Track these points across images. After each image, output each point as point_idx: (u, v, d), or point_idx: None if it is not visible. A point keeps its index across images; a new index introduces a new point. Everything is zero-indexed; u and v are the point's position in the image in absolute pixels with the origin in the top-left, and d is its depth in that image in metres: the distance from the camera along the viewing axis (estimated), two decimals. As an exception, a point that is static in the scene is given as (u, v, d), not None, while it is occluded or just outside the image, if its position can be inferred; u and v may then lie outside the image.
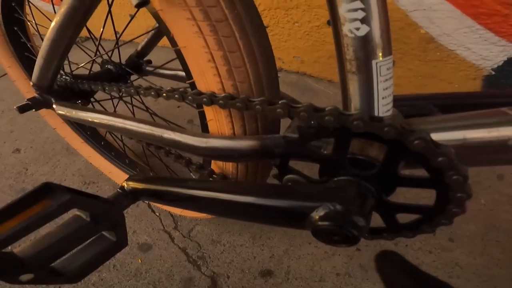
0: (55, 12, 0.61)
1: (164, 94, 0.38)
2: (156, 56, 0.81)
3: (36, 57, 0.79)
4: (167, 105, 1.25)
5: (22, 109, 0.55)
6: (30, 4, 0.69)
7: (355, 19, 0.25)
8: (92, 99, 0.69)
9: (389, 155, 0.28)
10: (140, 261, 0.76)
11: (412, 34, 1.12)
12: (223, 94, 0.34)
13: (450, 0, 0.99)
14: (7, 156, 1.10)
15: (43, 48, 0.46)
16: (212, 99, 0.34)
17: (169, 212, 0.86)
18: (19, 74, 0.84)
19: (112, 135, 0.86)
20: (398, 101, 0.34)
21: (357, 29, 0.26)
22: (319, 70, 1.38)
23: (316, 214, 0.27)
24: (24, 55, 0.81)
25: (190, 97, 0.36)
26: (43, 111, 0.87)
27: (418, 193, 0.75)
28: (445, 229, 0.77)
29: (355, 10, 0.25)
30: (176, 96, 0.37)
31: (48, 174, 1.01)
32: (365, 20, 0.25)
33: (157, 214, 0.86)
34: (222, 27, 0.31)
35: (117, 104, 0.73)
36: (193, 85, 0.37)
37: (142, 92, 0.41)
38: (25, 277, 0.32)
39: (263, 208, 0.30)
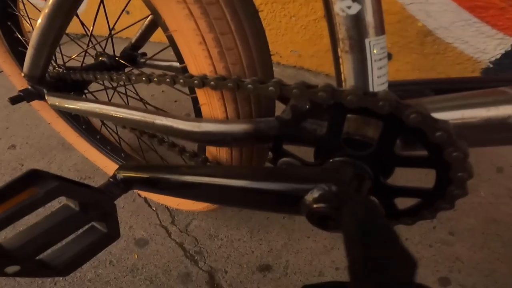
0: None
1: (155, 79, 0.37)
2: (152, 51, 0.80)
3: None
4: (164, 100, 1.24)
5: (14, 100, 0.55)
6: None
7: None
8: (85, 91, 0.68)
9: (385, 132, 0.27)
10: (136, 257, 0.75)
11: (410, 27, 1.12)
12: (214, 75, 0.33)
13: None
14: (3, 152, 1.10)
15: (33, 38, 0.45)
16: (203, 81, 0.33)
17: (166, 206, 0.85)
18: (14, 69, 0.83)
19: (108, 128, 0.85)
20: (394, 86, 0.33)
21: (349, 7, 0.25)
22: (317, 64, 1.38)
23: (311, 196, 0.26)
24: (18, 50, 0.80)
25: (181, 80, 0.35)
26: (38, 106, 0.86)
27: (419, 178, 0.75)
28: (445, 222, 0.76)
29: None
30: (168, 80, 0.36)
31: (44, 170, 1.01)
32: (356, -2, 0.25)
33: (154, 208, 0.86)
34: (213, 9, 0.30)
35: (112, 96, 0.72)
36: (185, 69, 0.36)
37: (133, 78, 0.40)
38: (11, 269, 0.31)
39: (255, 192, 0.29)
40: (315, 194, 0.26)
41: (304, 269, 0.70)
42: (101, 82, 0.55)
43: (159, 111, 0.40)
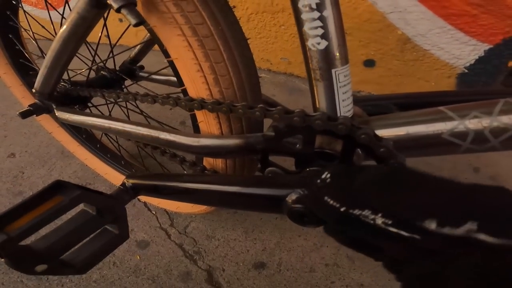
0: (50, 19, 0.63)
1: (160, 101, 0.43)
2: (148, 60, 0.84)
3: (31, 63, 0.82)
4: (160, 107, 1.27)
5: (24, 114, 0.59)
6: (26, 14, 0.72)
7: (316, 35, 0.31)
8: (89, 105, 0.72)
9: (345, 147, 0.34)
10: (139, 258, 0.78)
11: (390, 35, 1.16)
12: (211, 100, 0.39)
13: (423, 2, 1.04)
14: (3, 160, 1.12)
15: (47, 59, 0.49)
16: (202, 104, 0.39)
17: (165, 210, 0.89)
18: (15, 80, 0.86)
19: (108, 137, 0.89)
20: (364, 101, 0.40)
21: (318, 43, 0.31)
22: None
23: (290, 199, 0.32)
24: (19, 61, 0.83)
25: (183, 103, 0.41)
26: (40, 117, 0.90)
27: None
28: None
29: (316, 28, 0.30)
30: (171, 102, 0.42)
31: (45, 177, 1.03)
32: (324, 36, 0.31)
33: (154, 212, 0.89)
34: (208, 42, 0.36)
35: (112, 108, 0.76)
36: (184, 91, 0.42)
37: (139, 98, 0.45)
38: (40, 267, 0.35)
39: (245, 196, 0.35)
40: (293, 197, 0.32)
41: (296, 266, 0.74)
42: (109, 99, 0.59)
43: (163, 127, 0.45)
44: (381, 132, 0.33)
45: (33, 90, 0.57)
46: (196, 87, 0.39)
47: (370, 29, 1.19)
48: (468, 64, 1.09)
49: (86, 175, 1.01)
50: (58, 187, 0.35)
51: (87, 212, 0.39)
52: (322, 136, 0.35)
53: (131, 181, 0.44)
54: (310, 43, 0.32)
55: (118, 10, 0.35)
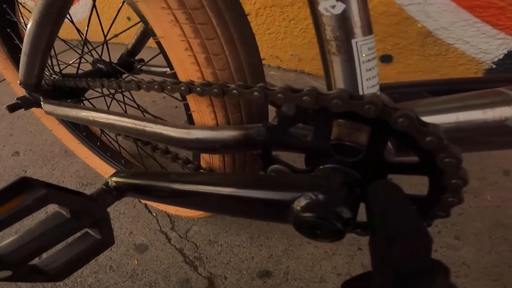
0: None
1: (144, 86, 0.38)
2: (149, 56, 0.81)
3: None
4: (165, 105, 1.25)
5: (12, 108, 0.55)
6: (20, 6, 0.69)
7: None
8: (83, 98, 0.69)
9: (374, 137, 0.26)
10: (136, 262, 0.75)
11: (409, 29, 1.11)
12: (200, 82, 0.32)
13: None
14: (7, 159, 1.12)
15: (24, 45, 0.46)
16: (189, 87, 0.33)
17: (166, 212, 0.85)
18: (14, 76, 0.84)
19: (107, 135, 0.86)
20: (389, 89, 0.33)
21: (333, 6, 0.25)
22: (318, 68, 1.37)
23: (297, 205, 0.25)
24: (18, 56, 0.81)
25: (168, 87, 0.35)
26: (40, 113, 0.88)
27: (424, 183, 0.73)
28: (450, 227, 0.75)
29: None
30: (156, 87, 0.36)
31: (47, 176, 1.02)
32: (340, -3, 0.24)
33: (154, 214, 0.86)
34: (198, 15, 0.30)
35: (110, 103, 0.72)
36: (175, 76, 0.36)
37: (123, 85, 0.40)
38: (2, 274, 0.31)
39: (241, 200, 0.28)
40: (302, 202, 0.25)
41: (305, 275, 0.69)
42: (98, 90, 0.55)
43: (148, 118, 0.40)
44: (426, 119, 0.24)
45: (18, 82, 0.54)
46: (186, 69, 0.33)
47: (386, 22, 1.14)
48: (496, 59, 1.02)
49: (88, 175, 1.00)
50: (24, 184, 0.30)
51: (60, 214, 0.34)
52: (341, 123, 0.28)
53: (116, 180, 0.39)
54: (322, 7, 0.25)
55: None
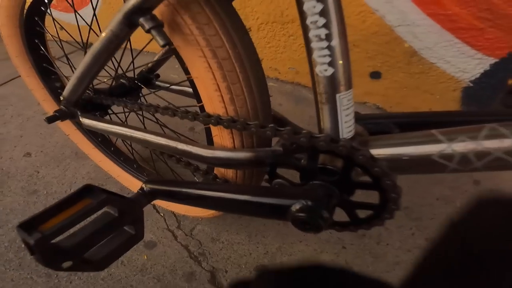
0: (77, 22, 0.67)
1: (180, 115, 0.47)
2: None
3: (53, 68, 0.86)
4: (181, 123, 1.29)
5: (50, 119, 0.63)
6: (55, 22, 0.75)
7: (324, 63, 0.35)
8: (110, 112, 0.76)
9: (345, 166, 0.38)
10: (146, 257, 0.81)
11: (397, 48, 1.16)
12: (226, 117, 0.43)
13: (431, 16, 1.03)
14: (19, 159, 1.15)
15: (78, 70, 0.53)
16: (218, 121, 0.43)
17: (172, 212, 0.92)
18: (37, 84, 0.90)
19: (123, 141, 0.92)
20: (365, 119, 0.43)
21: (325, 70, 0.35)
22: (312, 81, 1.46)
23: (294, 208, 0.37)
24: (42, 66, 0.86)
25: (201, 118, 0.45)
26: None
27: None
28: (422, 230, 0.83)
29: (324, 56, 0.34)
30: (189, 117, 0.46)
31: (59, 177, 1.06)
32: (331, 64, 0.35)
33: (162, 214, 0.92)
34: (226, 64, 0.40)
35: (128, 114, 0.80)
36: (201, 107, 0.46)
37: (160, 111, 0.49)
38: (66, 264, 0.39)
39: (255, 204, 0.40)
40: (297, 206, 0.37)
41: None
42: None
43: (181, 138, 0.50)
44: (378, 151, 0.37)
45: (61, 98, 0.62)
46: (213, 105, 0.43)
47: (377, 41, 1.18)
48: (473, 78, 1.08)
49: (99, 176, 1.05)
50: (87, 190, 0.39)
51: (109, 214, 0.42)
52: (325, 154, 0.39)
53: (149, 185, 0.48)
54: (318, 69, 0.35)
55: (148, 31, 0.39)
